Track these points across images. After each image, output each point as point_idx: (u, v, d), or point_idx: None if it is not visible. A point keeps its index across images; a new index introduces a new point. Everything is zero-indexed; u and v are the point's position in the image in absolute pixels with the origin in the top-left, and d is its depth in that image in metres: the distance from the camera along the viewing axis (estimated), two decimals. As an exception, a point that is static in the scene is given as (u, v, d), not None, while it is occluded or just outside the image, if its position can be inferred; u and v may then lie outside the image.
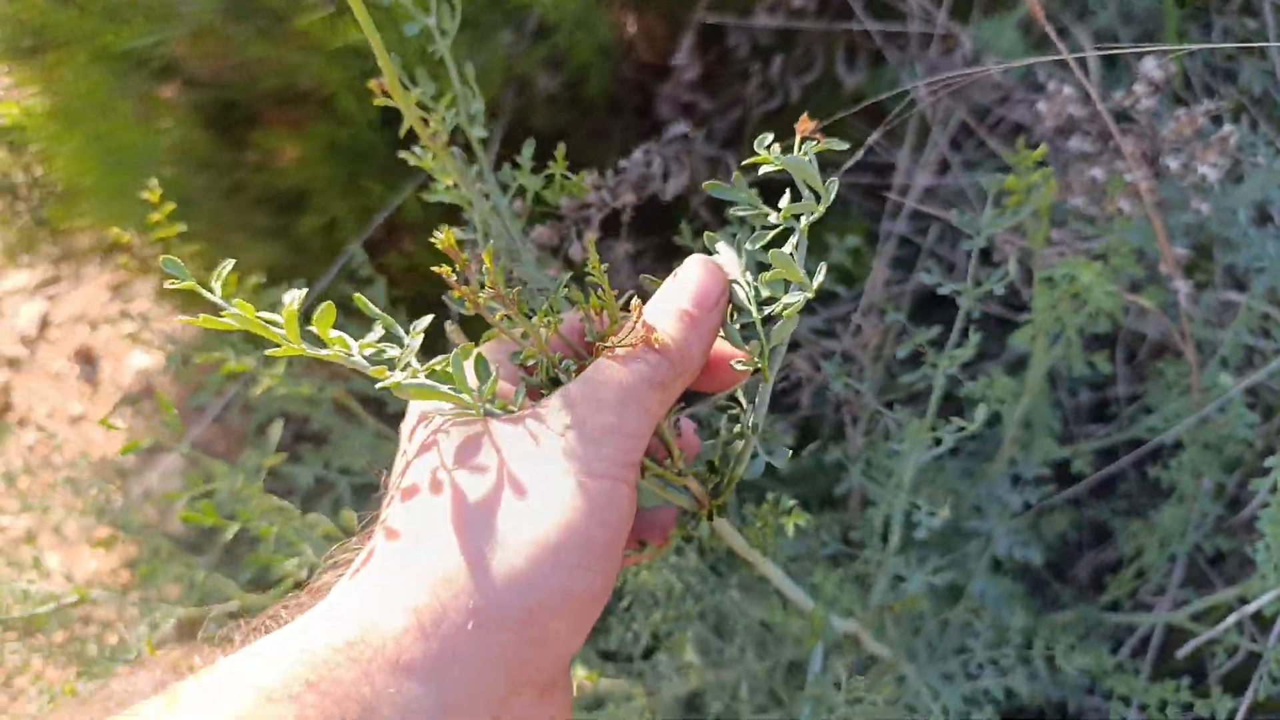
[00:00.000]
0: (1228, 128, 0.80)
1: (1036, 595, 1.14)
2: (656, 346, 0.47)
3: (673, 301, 0.49)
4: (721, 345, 0.51)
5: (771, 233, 0.50)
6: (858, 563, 0.85)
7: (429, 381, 0.45)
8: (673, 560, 0.84)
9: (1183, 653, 0.82)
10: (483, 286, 0.46)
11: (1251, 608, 0.81)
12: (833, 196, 0.47)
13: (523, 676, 0.42)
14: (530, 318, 0.48)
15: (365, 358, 0.45)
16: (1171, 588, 1.03)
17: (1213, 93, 1.21)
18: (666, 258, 1.22)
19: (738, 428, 0.53)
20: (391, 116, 0.91)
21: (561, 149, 0.71)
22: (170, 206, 0.86)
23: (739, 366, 0.49)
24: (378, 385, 0.44)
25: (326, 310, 0.42)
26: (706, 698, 0.85)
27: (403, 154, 0.68)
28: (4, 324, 2.10)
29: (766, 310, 0.50)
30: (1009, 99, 1.12)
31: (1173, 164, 0.78)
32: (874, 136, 0.80)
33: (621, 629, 0.85)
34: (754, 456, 0.52)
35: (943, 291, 0.75)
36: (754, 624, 0.82)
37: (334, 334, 0.43)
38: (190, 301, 1.45)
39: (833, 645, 0.74)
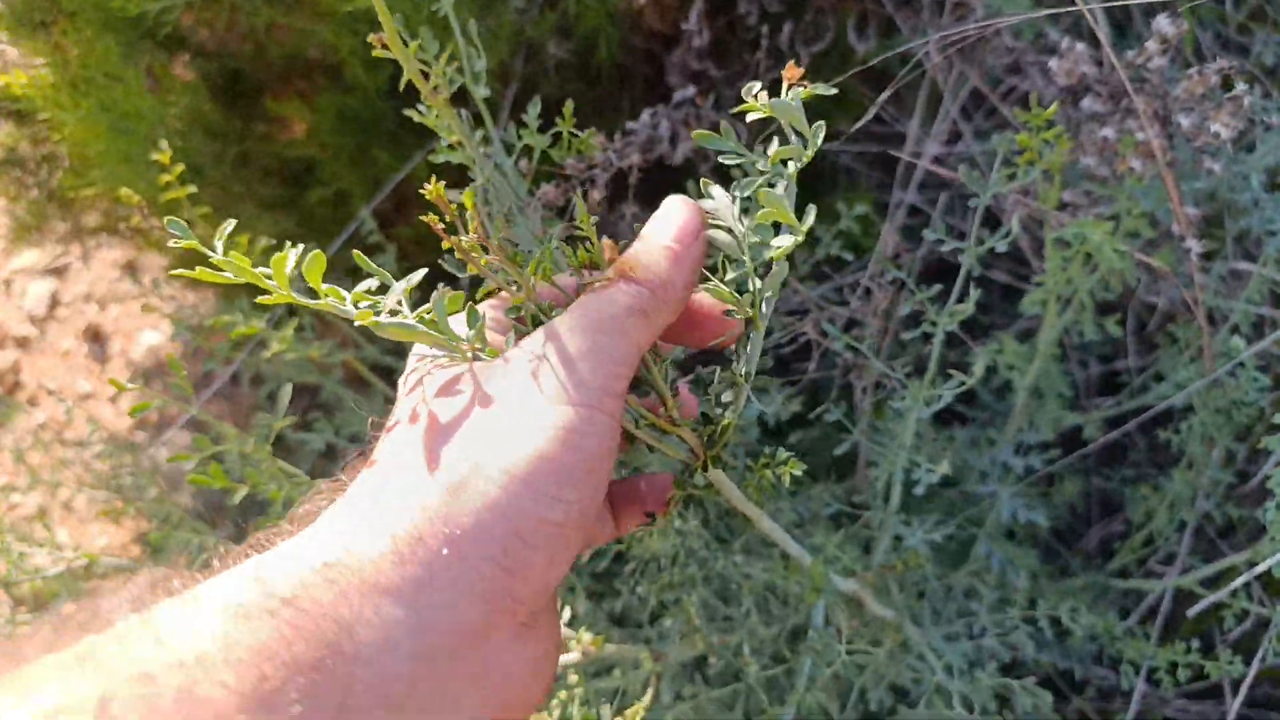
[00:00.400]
0: (1240, 87, 0.79)
1: (1046, 564, 1.14)
2: (636, 277, 0.47)
3: (652, 237, 0.50)
4: (713, 299, 0.52)
5: (760, 178, 0.50)
6: (859, 524, 0.86)
7: (408, 321, 0.45)
8: (676, 525, 0.84)
9: (1193, 612, 0.82)
10: (468, 231, 0.46)
11: (1261, 568, 0.80)
12: (820, 141, 0.48)
13: (502, 606, 0.42)
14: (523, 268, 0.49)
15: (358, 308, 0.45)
16: (1181, 555, 1.03)
17: (1229, 64, 1.20)
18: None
19: (731, 377, 0.54)
20: (399, 85, 0.90)
21: (569, 105, 0.70)
22: (180, 168, 0.86)
23: (731, 315, 0.50)
24: (357, 323, 0.45)
25: (315, 259, 0.43)
26: (711, 660, 0.85)
27: (407, 111, 0.68)
28: (13, 303, 2.11)
29: (759, 258, 0.50)
30: (1020, 66, 1.11)
31: (1185, 122, 0.77)
32: (883, 97, 0.79)
33: (627, 593, 0.85)
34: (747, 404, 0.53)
35: (945, 250, 0.75)
36: (758, 587, 0.82)
37: (326, 286, 0.44)
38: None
39: (835, 605, 0.74)
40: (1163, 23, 0.75)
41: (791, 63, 0.47)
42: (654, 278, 0.47)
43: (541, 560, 0.43)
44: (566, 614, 0.81)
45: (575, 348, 0.44)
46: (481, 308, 0.50)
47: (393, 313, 0.45)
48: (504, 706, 0.44)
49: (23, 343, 2.07)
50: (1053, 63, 0.79)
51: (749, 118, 0.49)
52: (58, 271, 2.13)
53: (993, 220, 1.03)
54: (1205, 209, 1.03)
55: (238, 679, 0.35)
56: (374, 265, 0.46)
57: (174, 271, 0.43)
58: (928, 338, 0.77)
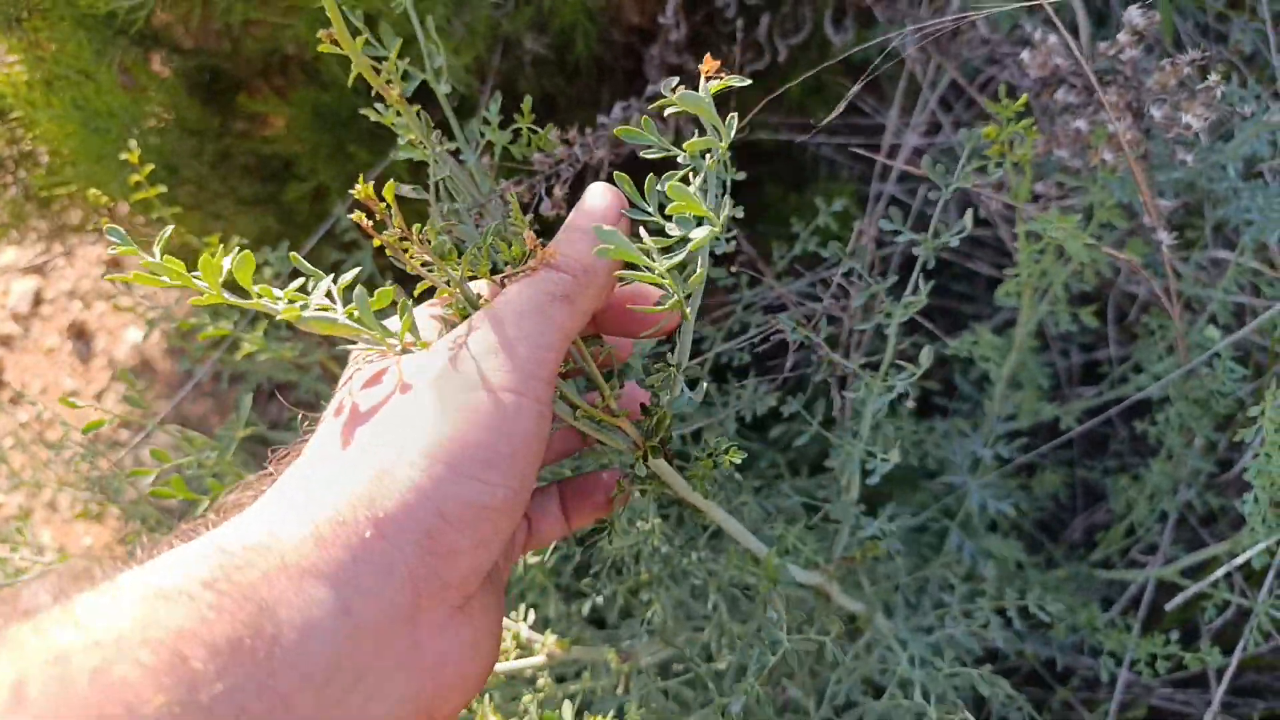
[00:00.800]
0: (1213, 77, 0.79)
1: (1031, 555, 1.14)
2: (558, 264, 0.48)
3: (574, 224, 0.50)
4: (645, 288, 0.52)
5: (680, 172, 0.50)
6: (820, 516, 0.85)
7: (331, 316, 0.45)
8: (639, 525, 0.83)
9: (1173, 604, 0.82)
10: (389, 228, 0.46)
11: (1240, 560, 0.80)
12: (733, 133, 0.48)
13: (430, 589, 0.42)
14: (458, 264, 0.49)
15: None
16: (1163, 545, 1.03)
17: (1204, 53, 1.19)
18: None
19: (665, 368, 0.54)
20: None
21: (528, 101, 0.70)
22: (149, 167, 0.85)
23: (659, 307, 0.50)
24: (278, 316, 0.45)
25: (245, 259, 0.44)
26: (680, 657, 0.85)
27: (364, 110, 0.67)
28: (-3, 301, 2.10)
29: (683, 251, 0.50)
30: (998, 60, 1.11)
31: (1157, 114, 0.77)
32: (855, 88, 0.79)
33: (594, 594, 0.84)
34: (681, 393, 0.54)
35: (901, 240, 0.74)
36: (724, 583, 0.82)
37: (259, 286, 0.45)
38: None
39: (776, 595, 0.73)
40: (1133, 14, 0.74)
41: (709, 55, 0.47)
42: (576, 263, 0.48)
43: (468, 543, 0.43)
44: (532, 617, 0.80)
45: (500, 334, 0.45)
46: (424, 306, 0.50)
47: (324, 310, 0.45)
48: (438, 689, 0.44)
49: (6, 341, 2.06)
50: (1025, 54, 0.79)
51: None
52: (40, 270, 2.12)
53: (976, 216, 1.02)
54: (1185, 199, 1.02)
55: (155, 658, 0.35)
56: (308, 265, 0.47)
57: (110, 276, 0.44)
58: (898, 330, 0.77)
